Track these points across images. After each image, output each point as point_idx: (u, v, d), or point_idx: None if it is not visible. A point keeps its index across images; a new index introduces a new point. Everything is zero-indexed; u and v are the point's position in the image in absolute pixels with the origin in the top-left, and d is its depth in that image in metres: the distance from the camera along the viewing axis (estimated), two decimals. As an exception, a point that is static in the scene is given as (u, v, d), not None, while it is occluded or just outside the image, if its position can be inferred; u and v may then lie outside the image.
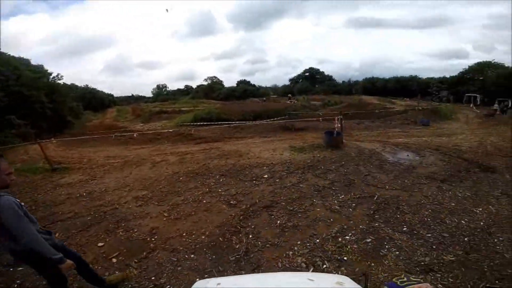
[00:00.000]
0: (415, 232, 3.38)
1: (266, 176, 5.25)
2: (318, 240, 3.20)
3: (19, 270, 2.81)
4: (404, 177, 5.20)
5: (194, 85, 69.20)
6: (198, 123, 16.42)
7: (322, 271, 2.69)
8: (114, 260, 3.06)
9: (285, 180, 5.00)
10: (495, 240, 3.23)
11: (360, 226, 3.46)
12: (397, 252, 2.97)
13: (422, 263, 2.83)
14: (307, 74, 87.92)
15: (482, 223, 3.60)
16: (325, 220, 3.62)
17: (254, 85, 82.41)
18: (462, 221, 3.66)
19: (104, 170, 6.74)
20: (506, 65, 39.51)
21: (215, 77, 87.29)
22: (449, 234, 3.35)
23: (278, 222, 3.62)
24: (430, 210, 3.95)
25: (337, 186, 4.71)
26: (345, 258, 2.89)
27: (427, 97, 41.24)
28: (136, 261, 3.00)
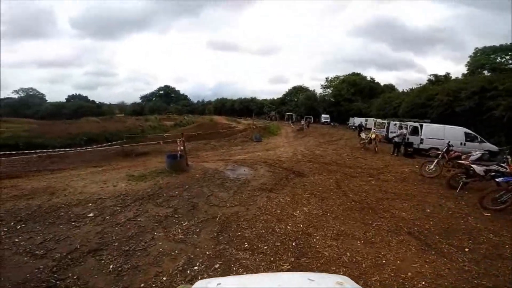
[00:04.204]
0: (254, 247, 3.54)
1: (91, 214, 4.34)
2: (165, 278, 2.86)
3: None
4: (242, 192, 5.63)
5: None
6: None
7: None
8: None
9: (119, 216, 4.31)
10: (314, 240, 3.80)
11: (207, 252, 3.35)
12: (245, 272, 2.99)
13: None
14: (162, 92, 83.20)
15: (301, 226, 4.21)
16: (169, 254, 3.31)
17: (93, 101, 68.78)
18: (288, 227, 4.16)
19: None
20: (311, 89, 55.98)
21: (31, 88, 66.32)
22: (280, 243, 3.66)
23: (111, 266, 3.04)
24: (263, 222, 4.31)
25: (180, 213, 4.46)
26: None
27: (262, 116, 50.56)
28: None
